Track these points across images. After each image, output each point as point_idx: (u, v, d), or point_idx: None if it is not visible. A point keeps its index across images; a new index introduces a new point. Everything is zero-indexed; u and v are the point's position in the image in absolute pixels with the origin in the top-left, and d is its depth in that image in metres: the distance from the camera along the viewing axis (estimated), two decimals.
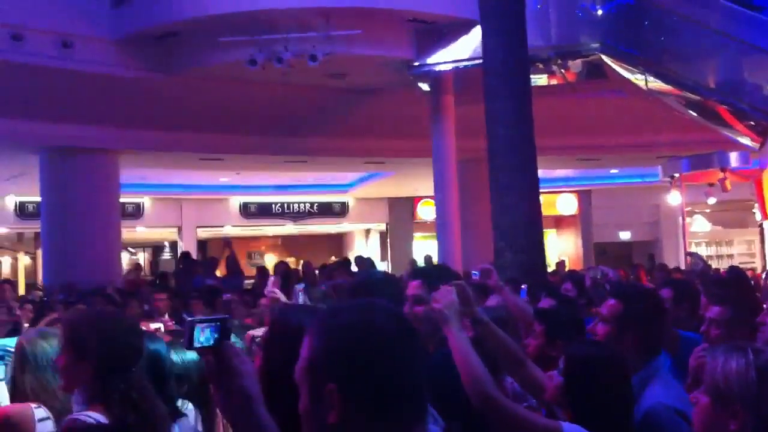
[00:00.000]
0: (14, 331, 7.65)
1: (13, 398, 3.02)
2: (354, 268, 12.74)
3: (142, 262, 22.81)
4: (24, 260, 21.89)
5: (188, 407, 3.06)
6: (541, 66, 11.33)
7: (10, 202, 19.09)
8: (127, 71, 11.77)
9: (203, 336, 1.73)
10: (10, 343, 4.02)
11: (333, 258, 20.86)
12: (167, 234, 22.45)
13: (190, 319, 1.76)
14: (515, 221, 8.16)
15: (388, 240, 23.32)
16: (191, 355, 3.11)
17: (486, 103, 8.38)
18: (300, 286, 6.54)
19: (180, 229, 21.53)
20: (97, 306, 8.23)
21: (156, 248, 23.76)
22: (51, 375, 2.90)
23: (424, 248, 21.21)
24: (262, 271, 13.46)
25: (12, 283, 13.36)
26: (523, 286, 6.18)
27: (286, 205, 22.26)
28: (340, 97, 13.28)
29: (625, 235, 23.67)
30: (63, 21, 11.16)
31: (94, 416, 2.50)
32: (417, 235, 22.69)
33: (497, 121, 8.28)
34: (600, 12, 11.96)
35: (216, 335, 1.74)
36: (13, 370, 3.02)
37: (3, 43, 10.60)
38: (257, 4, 10.56)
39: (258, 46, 10.60)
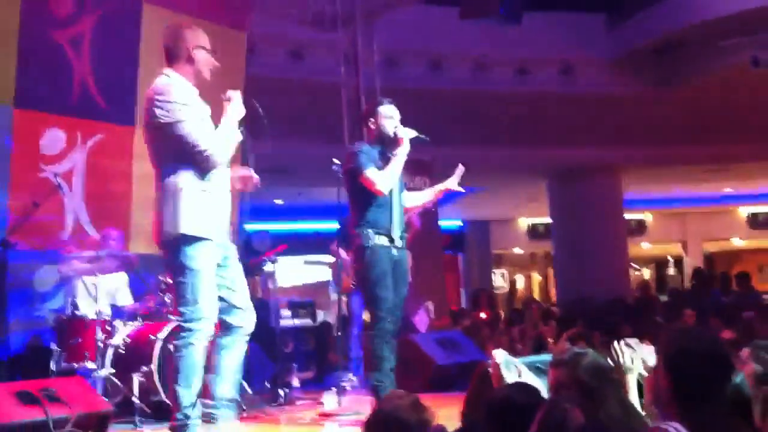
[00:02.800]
0: (540, 348, 8.07)
1: None
2: None
3: (647, 278, 22.70)
4: (536, 279, 23.29)
5: None
6: None
7: (523, 224, 20.64)
8: (624, 89, 11.98)
9: None
10: (542, 358, 4.27)
11: None
12: (671, 249, 22.10)
13: None
14: None
15: None
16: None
17: None
18: None
19: (684, 244, 21.06)
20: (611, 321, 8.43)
21: (660, 264, 23.47)
22: None
23: None
24: None
25: (538, 302, 14.39)
26: None
27: None
28: None
29: None
30: (562, 48, 11.77)
31: (677, 428, 2.49)
32: None
33: None
34: None
35: None
36: None
37: (508, 75, 11.55)
38: None
39: (762, 45, 9.97)
